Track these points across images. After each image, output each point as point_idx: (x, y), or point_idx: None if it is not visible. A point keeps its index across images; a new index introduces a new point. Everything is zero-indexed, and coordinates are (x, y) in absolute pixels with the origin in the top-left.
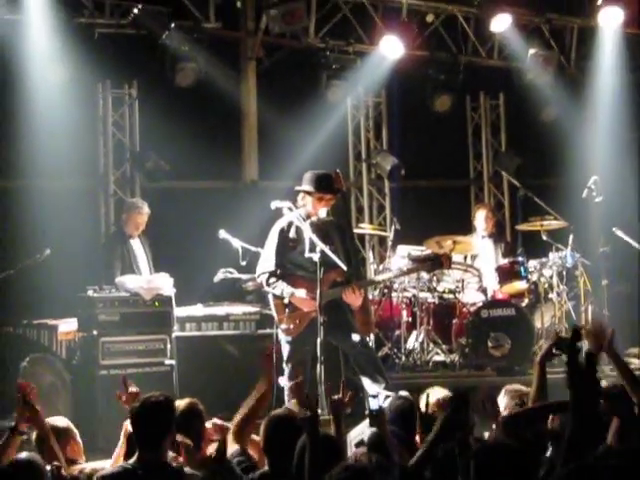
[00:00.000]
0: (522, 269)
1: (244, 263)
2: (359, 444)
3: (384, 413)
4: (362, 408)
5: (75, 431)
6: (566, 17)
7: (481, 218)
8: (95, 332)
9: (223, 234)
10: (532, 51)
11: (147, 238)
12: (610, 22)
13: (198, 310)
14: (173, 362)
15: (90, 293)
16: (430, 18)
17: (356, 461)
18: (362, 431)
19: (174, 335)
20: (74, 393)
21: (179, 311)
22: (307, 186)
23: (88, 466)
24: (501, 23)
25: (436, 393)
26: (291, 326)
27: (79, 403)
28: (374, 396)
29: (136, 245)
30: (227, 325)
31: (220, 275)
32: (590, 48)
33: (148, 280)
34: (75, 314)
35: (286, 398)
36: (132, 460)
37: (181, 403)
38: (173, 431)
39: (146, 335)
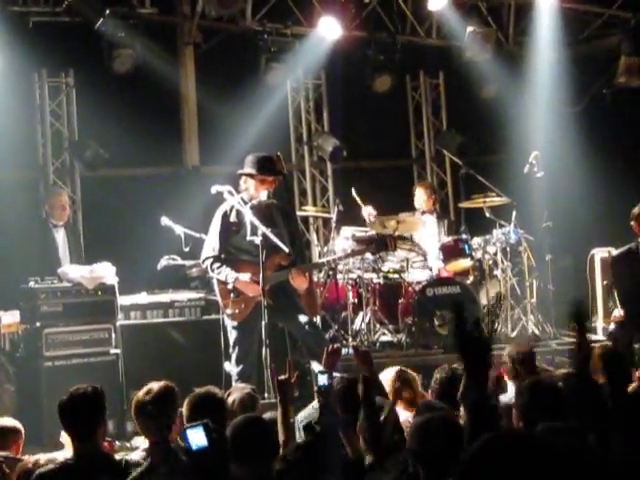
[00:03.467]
0: (466, 246)
1: (187, 249)
2: (307, 427)
3: (333, 388)
4: (310, 391)
5: (22, 431)
6: None
7: (420, 195)
8: (38, 324)
9: (165, 221)
10: (470, 29)
11: (75, 229)
12: None
13: (142, 298)
14: (118, 351)
15: (32, 284)
16: None
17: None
18: (310, 414)
19: (118, 324)
20: (18, 386)
21: (123, 300)
22: (249, 169)
23: (43, 457)
24: (438, 1)
25: (386, 374)
26: (236, 311)
27: (23, 396)
28: (322, 372)
29: (60, 235)
30: (172, 312)
31: (163, 262)
32: (528, 24)
33: (90, 269)
34: (17, 306)
35: (233, 384)
36: (69, 454)
37: (155, 385)
38: (105, 421)
39: (90, 325)
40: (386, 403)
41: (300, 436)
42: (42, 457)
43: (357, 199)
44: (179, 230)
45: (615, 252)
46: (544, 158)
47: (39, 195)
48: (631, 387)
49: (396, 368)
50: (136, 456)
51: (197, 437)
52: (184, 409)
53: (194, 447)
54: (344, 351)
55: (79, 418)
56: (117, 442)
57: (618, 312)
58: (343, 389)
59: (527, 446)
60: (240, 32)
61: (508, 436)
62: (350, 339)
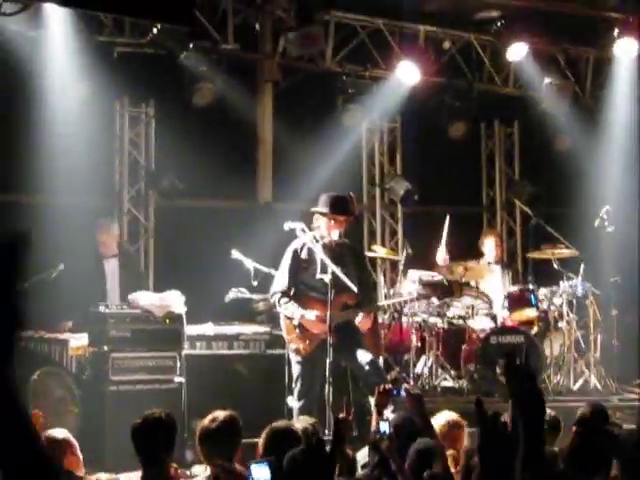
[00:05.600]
0: (532, 297)
1: (255, 283)
2: (365, 466)
3: (390, 437)
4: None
5: (74, 443)
6: (582, 47)
7: (489, 244)
8: (106, 348)
9: (236, 254)
10: (547, 80)
11: (128, 260)
12: (625, 53)
13: (209, 329)
14: (182, 380)
15: (102, 309)
16: (447, 45)
17: None
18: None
19: (184, 353)
20: (83, 408)
21: (190, 329)
22: (322, 207)
23: (104, 476)
24: (517, 52)
25: (444, 416)
26: (301, 346)
27: (88, 418)
28: (385, 420)
29: (110, 267)
30: (237, 344)
31: (231, 294)
32: (605, 78)
33: (160, 297)
34: (86, 329)
35: (294, 418)
36: (137, 476)
37: (221, 414)
38: (174, 447)
39: (156, 352)
40: (437, 446)
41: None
42: (103, 476)
43: (444, 235)
44: (249, 264)
45: None
46: (615, 213)
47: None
48: None
49: (448, 415)
50: None
51: (261, 473)
52: (260, 441)
53: None
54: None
55: (152, 441)
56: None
57: None
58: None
59: None
60: (319, 72)
61: None
62: (412, 382)
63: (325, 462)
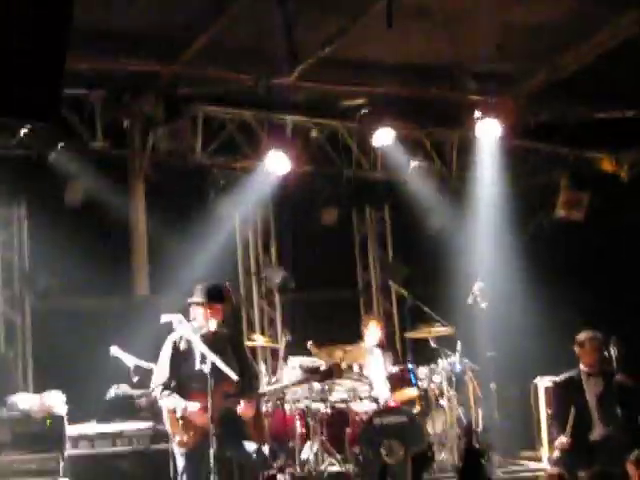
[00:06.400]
0: (412, 376)
1: (136, 379)
2: None
3: None
4: None
5: None
6: (446, 130)
7: (372, 329)
8: None
9: (115, 351)
10: (414, 163)
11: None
12: (488, 134)
13: (91, 428)
14: None
15: None
16: (314, 134)
17: None
18: None
19: (66, 453)
20: None
21: (72, 429)
22: (198, 297)
23: None
24: (383, 137)
25: None
26: (184, 438)
27: None
28: None
29: None
30: (120, 441)
31: (112, 392)
32: (471, 158)
33: (40, 398)
34: None
35: None
36: None
37: None
38: None
39: (38, 454)
40: None
41: None
42: None
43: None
44: (128, 360)
45: (557, 379)
46: (488, 289)
47: None
48: None
49: None
50: None
51: None
52: None
53: None
54: None
55: None
56: None
57: (561, 440)
58: None
59: None
60: (190, 166)
61: None
62: (298, 469)
63: None
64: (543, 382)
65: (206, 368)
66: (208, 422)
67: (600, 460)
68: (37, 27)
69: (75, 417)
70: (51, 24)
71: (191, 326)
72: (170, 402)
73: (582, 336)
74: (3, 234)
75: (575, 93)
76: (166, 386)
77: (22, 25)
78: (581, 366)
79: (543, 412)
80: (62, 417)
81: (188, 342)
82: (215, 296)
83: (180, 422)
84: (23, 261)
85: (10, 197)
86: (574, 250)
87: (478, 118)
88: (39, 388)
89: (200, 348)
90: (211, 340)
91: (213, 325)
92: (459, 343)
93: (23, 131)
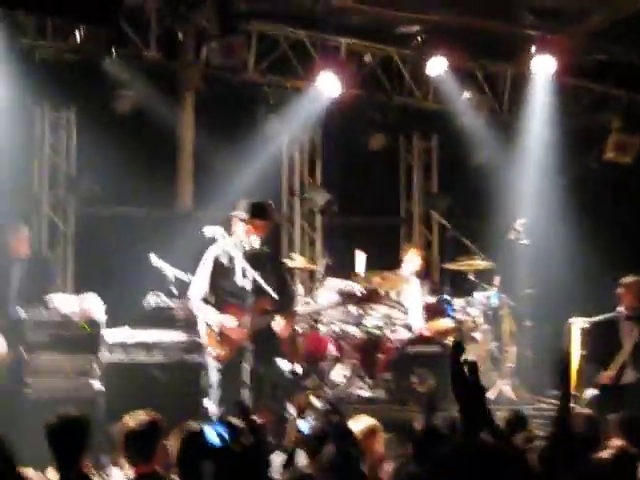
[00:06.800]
0: (448, 307)
1: (175, 290)
2: (286, 465)
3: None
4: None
5: None
6: (500, 63)
7: (412, 258)
8: (23, 351)
9: (155, 260)
10: (466, 95)
11: (38, 263)
12: (542, 70)
13: (126, 335)
14: (99, 383)
15: (20, 313)
16: (368, 58)
17: None
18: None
19: (102, 359)
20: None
21: (107, 334)
22: (241, 212)
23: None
24: (436, 66)
25: (363, 421)
26: (220, 352)
27: (3, 422)
28: (303, 417)
29: (15, 269)
30: (155, 351)
31: (149, 298)
32: (523, 94)
33: (80, 301)
34: (3, 333)
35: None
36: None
37: (144, 416)
38: (88, 448)
39: (74, 356)
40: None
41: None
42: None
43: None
44: (168, 270)
45: (595, 319)
46: (531, 226)
47: (30, 226)
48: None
49: (366, 420)
50: None
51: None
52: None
53: None
54: None
55: (66, 441)
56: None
57: (607, 374)
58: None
59: None
60: (241, 82)
61: None
62: (328, 390)
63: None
64: (578, 323)
65: (247, 284)
66: (245, 338)
67: (630, 405)
68: None
69: (111, 321)
70: None
71: (233, 241)
72: (208, 315)
73: (629, 279)
74: (52, 137)
75: (632, 35)
76: (204, 299)
77: None
78: (621, 309)
79: (576, 352)
80: (99, 322)
81: (230, 257)
82: (258, 213)
83: (216, 336)
84: (70, 166)
85: (60, 101)
86: (620, 194)
87: (534, 53)
88: (77, 291)
89: (242, 264)
90: (252, 257)
91: (254, 241)
92: (497, 278)
93: (77, 35)
